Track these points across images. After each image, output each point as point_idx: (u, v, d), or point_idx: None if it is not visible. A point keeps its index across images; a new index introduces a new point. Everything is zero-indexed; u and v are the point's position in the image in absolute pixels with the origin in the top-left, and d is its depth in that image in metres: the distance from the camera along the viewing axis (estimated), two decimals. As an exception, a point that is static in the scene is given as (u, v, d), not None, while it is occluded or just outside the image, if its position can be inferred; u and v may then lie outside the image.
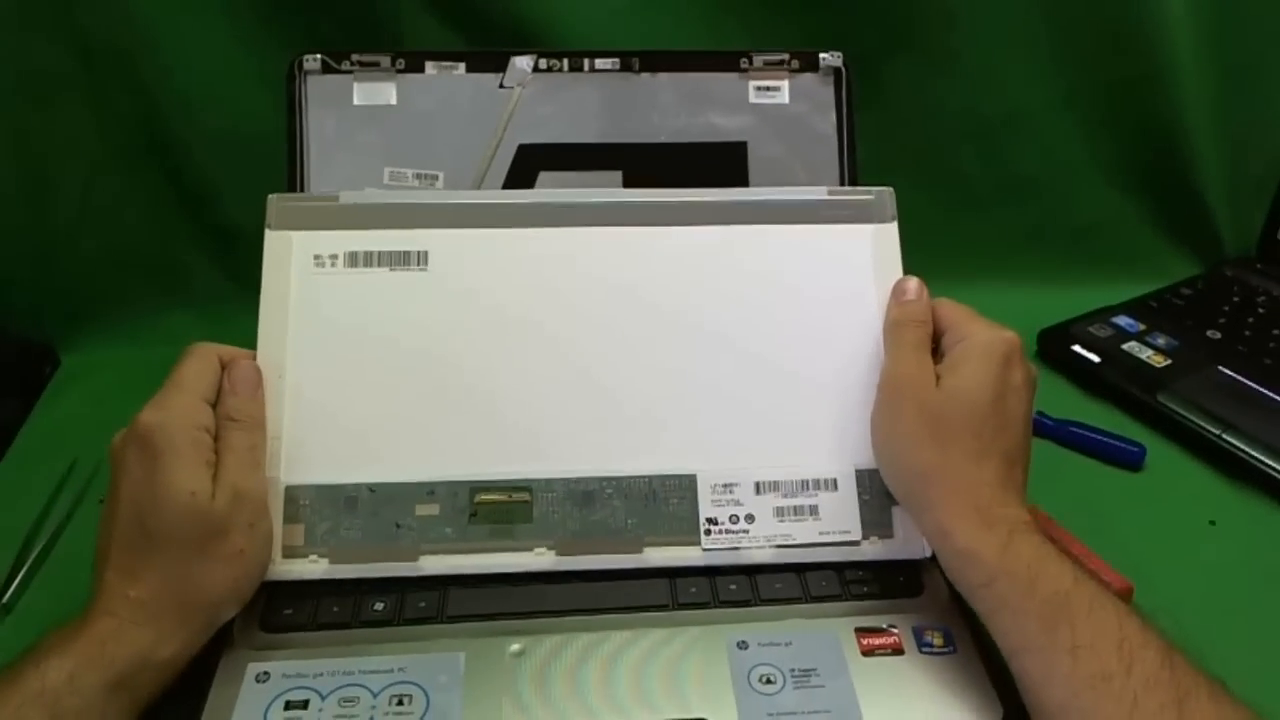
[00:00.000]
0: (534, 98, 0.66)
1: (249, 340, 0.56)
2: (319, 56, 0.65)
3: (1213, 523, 0.64)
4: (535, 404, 0.56)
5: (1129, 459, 0.68)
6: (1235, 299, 0.84)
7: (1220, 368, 0.75)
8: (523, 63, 0.65)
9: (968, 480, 0.49)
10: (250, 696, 0.47)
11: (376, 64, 0.65)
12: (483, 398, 0.56)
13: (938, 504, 0.49)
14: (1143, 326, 0.80)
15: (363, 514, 0.54)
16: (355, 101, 0.65)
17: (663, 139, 0.67)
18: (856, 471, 0.56)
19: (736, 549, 0.54)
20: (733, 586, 0.53)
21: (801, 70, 0.67)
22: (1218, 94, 0.84)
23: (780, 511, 0.55)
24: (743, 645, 0.50)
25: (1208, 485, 0.67)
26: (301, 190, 0.65)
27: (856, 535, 0.55)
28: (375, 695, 0.47)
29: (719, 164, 0.67)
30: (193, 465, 0.48)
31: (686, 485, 0.55)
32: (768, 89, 0.67)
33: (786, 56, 0.67)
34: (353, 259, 0.57)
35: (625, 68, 0.66)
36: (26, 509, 0.63)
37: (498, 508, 0.54)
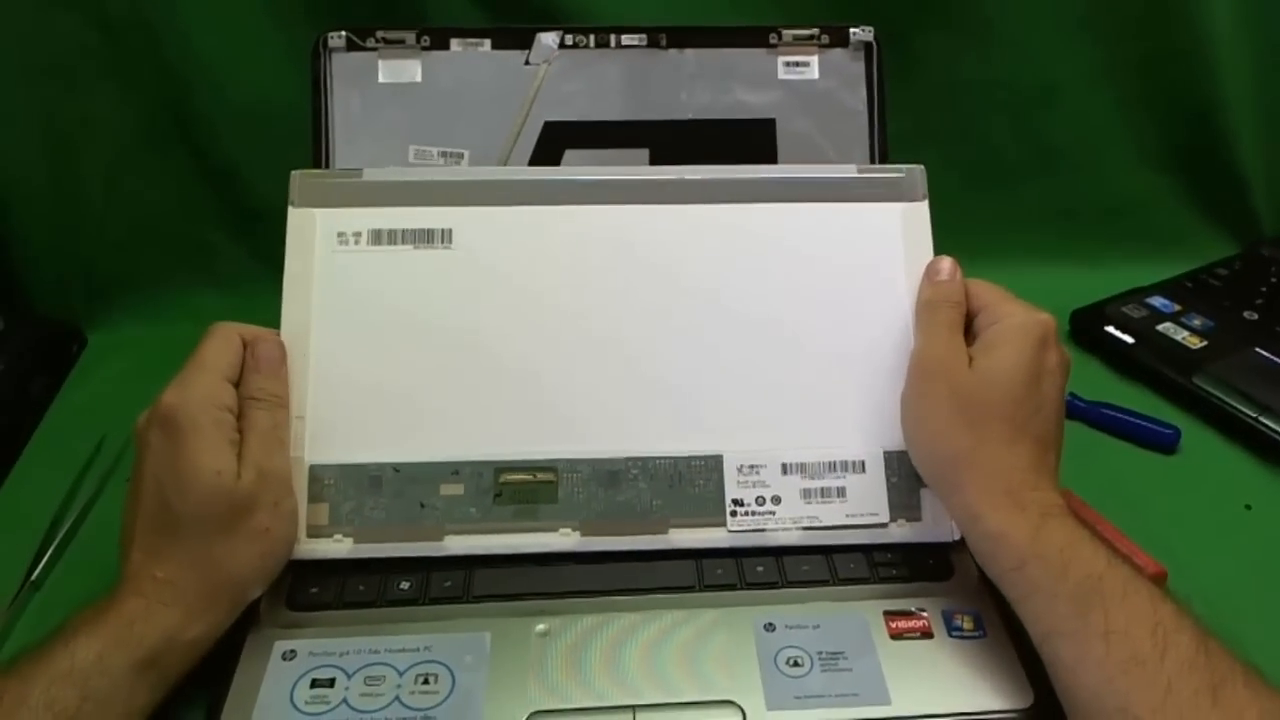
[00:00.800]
0: (560, 74, 0.65)
1: (274, 318, 0.56)
2: (344, 34, 0.64)
3: (1248, 507, 0.63)
4: (560, 383, 0.56)
5: (1163, 442, 0.67)
6: (1273, 279, 0.82)
7: (1257, 349, 0.73)
8: (548, 39, 0.65)
9: (1000, 463, 0.48)
10: (277, 674, 0.48)
11: (402, 41, 0.65)
12: (507, 377, 0.55)
13: (968, 487, 0.49)
14: (1178, 307, 0.79)
15: (387, 494, 0.53)
16: (380, 79, 0.65)
17: (690, 116, 0.66)
18: (885, 453, 0.55)
19: (763, 530, 0.54)
20: (759, 568, 0.53)
21: (831, 45, 0.66)
22: (1255, 69, 0.83)
23: (807, 493, 0.55)
24: (769, 627, 0.50)
25: (1243, 469, 0.66)
26: (327, 168, 0.64)
27: (884, 518, 0.54)
28: (401, 674, 0.47)
29: (747, 141, 0.66)
30: (216, 445, 0.49)
31: (713, 466, 0.55)
32: (797, 64, 0.66)
33: (816, 31, 0.66)
34: (376, 236, 0.57)
35: (652, 44, 0.65)
36: (55, 487, 0.64)
37: (523, 488, 0.54)
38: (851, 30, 0.66)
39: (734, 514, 0.54)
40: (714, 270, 0.57)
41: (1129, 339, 0.76)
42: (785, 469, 0.55)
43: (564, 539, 0.53)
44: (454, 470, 0.54)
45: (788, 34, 0.66)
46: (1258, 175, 0.86)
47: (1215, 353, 0.73)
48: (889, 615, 0.50)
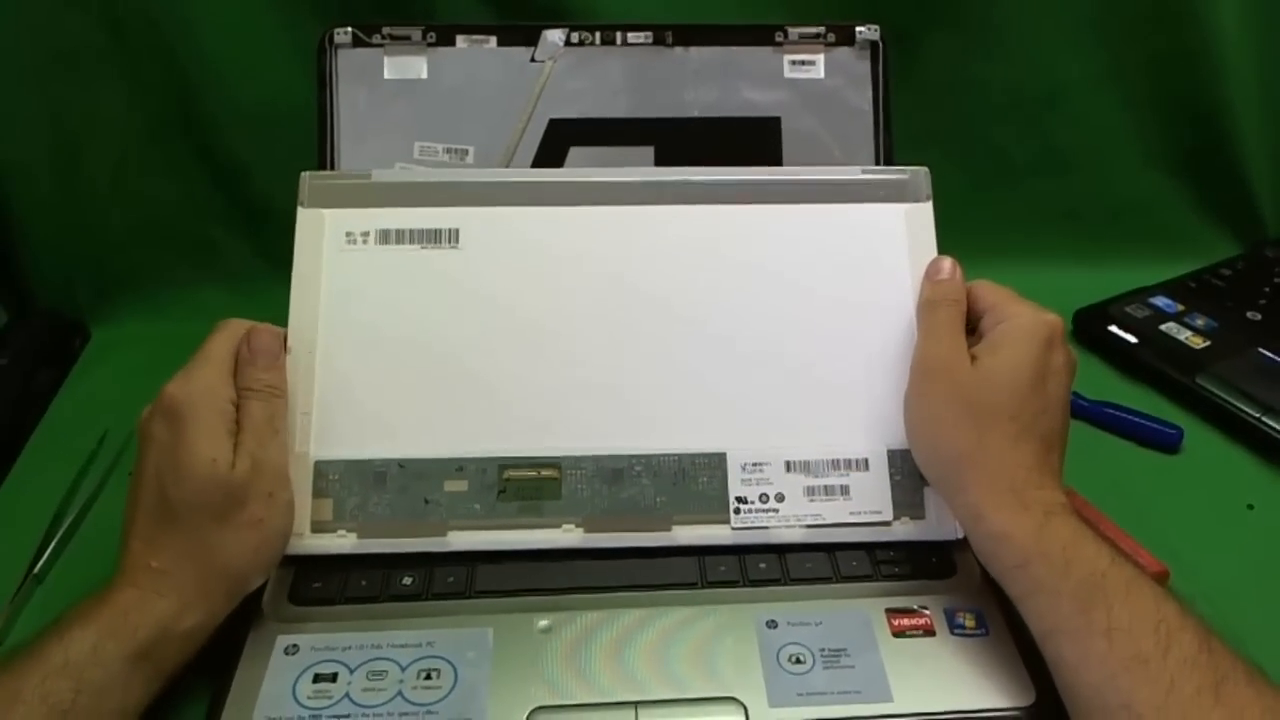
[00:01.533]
0: (565, 72, 0.65)
1: (279, 315, 0.56)
2: (350, 30, 0.64)
3: (1251, 507, 0.63)
4: (564, 380, 0.56)
5: (1166, 441, 0.67)
6: (1276, 280, 0.82)
7: (1260, 350, 0.73)
8: (554, 36, 0.65)
9: (1004, 462, 0.48)
10: (279, 668, 0.48)
11: (407, 37, 0.65)
12: (512, 374, 0.56)
13: (972, 486, 0.49)
14: (1181, 307, 0.79)
15: (391, 489, 0.54)
16: (386, 75, 0.65)
17: (695, 114, 0.66)
18: (888, 451, 0.55)
19: (766, 528, 0.54)
20: (762, 565, 0.53)
21: (837, 44, 0.66)
22: (1261, 71, 0.82)
23: (810, 491, 0.55)
24: (772, 624, 0.50)
25: (1246, 469, 0.66)
26: (332, 165, 0.64)
27: (888, 515, 0.54)
28: (403, 669, 0.47)
29: (752, 140, 0.66)
30: (215, 434, 0.49)
31: (716, 463, 0.55)
32: (803, 63, 0.66)
33: (822, 30, 0.66)
34: (384, 236, 0.57)
35: (658, 41, 0.65)
36: (58, 481, 0.64)
37: (526, 484, 0.54)
38: (857, 29, 0.66)
39: (737, 511, 0.54)
40: (718, 270, 0.58)
41: (1132, 339, 0.76)
42: (789, 467, 0.55)
43: (567, 535, 0.53)
44: (458, 466, 0.54)
45: (794, 33, 0.66)
46: (1261, 176, 0.86)
47: (1218, 353, 0.73)
48: (891, 613, 0.50)
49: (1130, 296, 0.80)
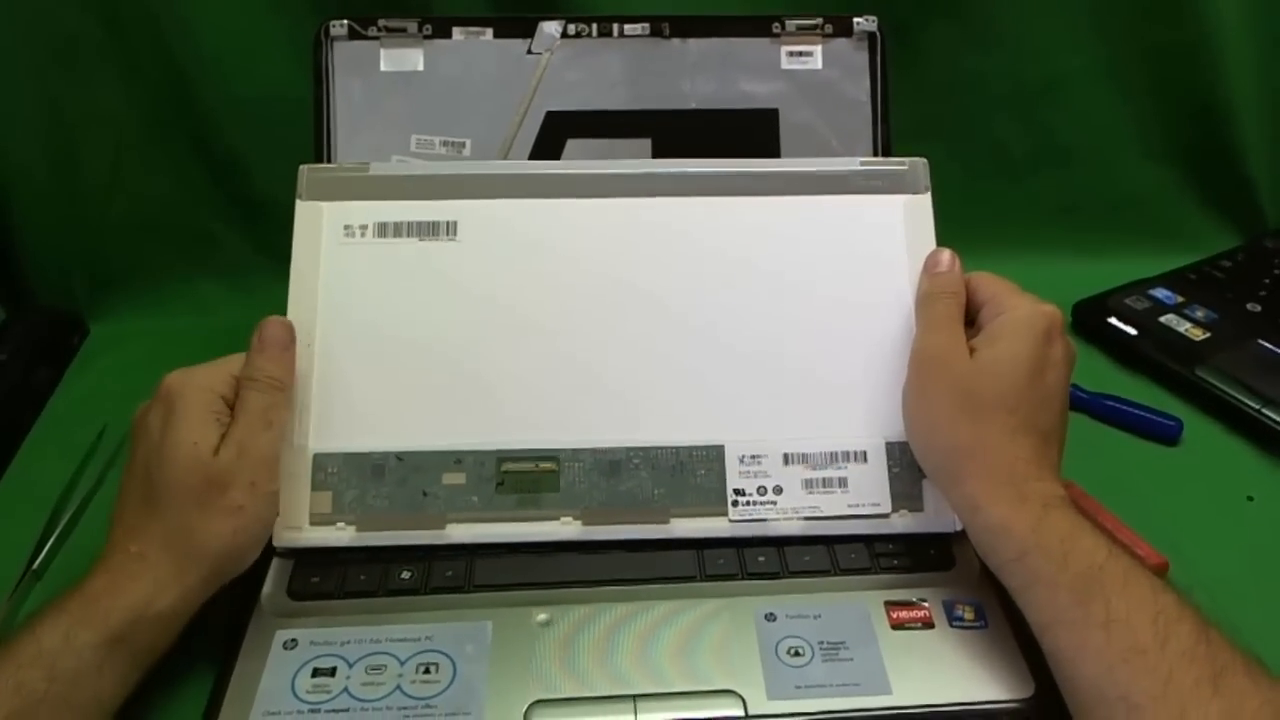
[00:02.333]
0: (562, 63, 0.65)
1: (277, 309, 0.56)
2: (346, 23, 0.64)
3: (1250, 498, 0.63)
4: (562, 373, 0.56)
5: (1166, 433, 0.67)
6: (1276, 271, 0.82)
7: (1260, 341, 0.73)
8: (551, 28, 0.65)
9: (1002, 455, 0.48)
10: (278, 663, 0.48)
11: (403, 30, 0.64)
12: (510, 367, 0.56)
13: (970, 478, 0.49)
14: (1181, 299, 0.79)
15: (390, 482, 0.54)
16: (382, 68, 0.65)
17: (693, 105, 0.66)
18: (886, 444, 0.55)
19: (764, 520, 0.54)
20: (761, 558, 0.53)
21: (835, 35, 0.66)
22: (1260, 62, 0.82)
23: (809, 483, 0.55)
24: (770, 617, 0.50)
25: (1246, 460, 0.66)
26: (329, 157, 0.64)
27: (886, 508, 0.54)
28: (402, 663, 0.47)
29: (750, 131, 0.66)
30: (200, 420, 0.49)
31: (714, 456, 0.55)
32: (800, 54, 0.66)
33: (820, 21, 0.66)
34: (382, 229, 0.57)
35: (655, 33, 0.65)
36: (56, 477, 0.64)
37: (524, 477, 0.54)
38: (855, 20, 0.66)
39: (735, 504, 0.54)
40: (716, 262, 0.58)
41: (1132, 331, 0.75)
42: (787, 459, 0.55)
43: (565, 528, 0.53)
44: (456, 459, 0.54)
45: (791, 24, 0.66)
46: (1261, 168, 0.86)
47: (1218, 345, 0.73)
48: (890, 605, 0.50)
49: (1130, 288, 0.80)
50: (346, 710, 0.46)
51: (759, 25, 0.66)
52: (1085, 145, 0.85)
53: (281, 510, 0.52)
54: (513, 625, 0.49)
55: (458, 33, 0.65)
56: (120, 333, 0.80)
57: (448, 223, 0.58)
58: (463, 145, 0.65)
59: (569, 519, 0.54)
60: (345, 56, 0.64)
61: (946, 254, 0.56)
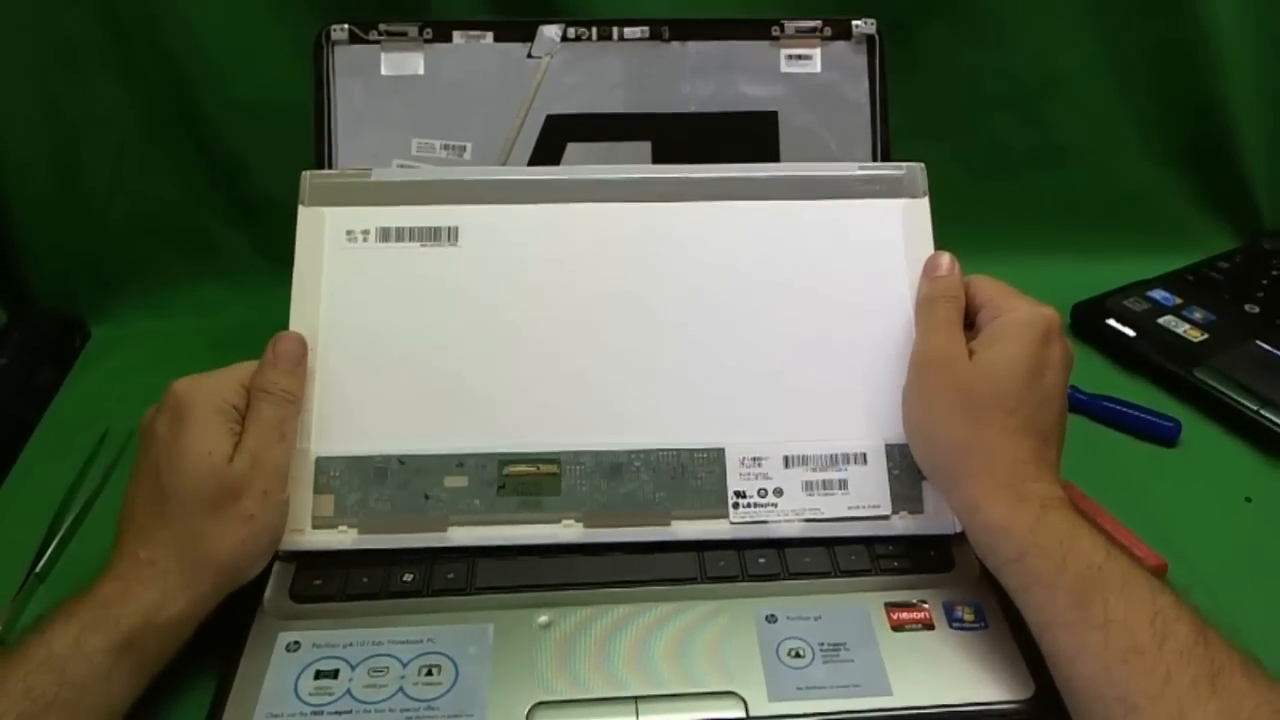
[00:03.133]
0: (562, 67, 0.65)
1: (277, 311, 0.57)
2: (346, 27, 0.64)
3: (1249, 499, 0.63)
4: (563, 376, 0.56)
5: (1164, 434, 0.67)
6: (1274, 272, 0.82)
7: (1258, 342, 0.73)
8: (551, 32, 0.65)
9: (1001, 456, 0.49)
10: (281, 665, 0.48)
11: (404, 34, 0.64)
12: (512, 370, 0.56)
13: (969, 479, 0.49)
14: (1179, 300, 0.79)
15: (392, 485, 0.54)
16: (383, 72, 0.65)
17: (692, 109, 0.66)
18: (886, 446, 0.55)
19: (765, 522, 0.54)
20: (761, 560, 0.53)
21: (834, 38, 0.66)
22: (1258, 62, 0.82)
23: (809, 485, 0.55)
24: (771, 619, 0.50)
25: (1244, 461, 0.66)
26: (329, 162, 0.64)
27: (886, 510, 0.54)
28: (404, 665, 0.48)
29: (749, 134, 0.66)
30: (213, 429, 0.50)
31: (715, 458, 0.55)
32: (799, 57, 0.66)
33: (819, 24, 0.66)
34: (384, 234, 0.58)
35: (654, 36, 0.65)
36: (59, 480, 0.64)
37: (526, 480, 0.54)
38: (854, 23, 0.66)
39: (736, 506, 0.54)
40: (716, 266, 0.58)
41: (1130, 332, 0.76)
42: (787, 461, 0.55)
43: (567, 530, 0.54)
44: (458, 462, 0.54)
45: (790, 26, 0.66)
46: (1259, 169, 0.86)
47: (1216, 346, 0.73)
48: (890, 607, 0.51)
49: (1128, 290, 0.80)
50: (349, 712, 0.46)
51: (758, 28, 0.66)
52: (1084, 145, 0.85)
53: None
54: (514, 627, 0.50)
55: (458, 37, 0.65)
56: (122, 335, 0.80)
57: (449, 228, 0.58)
58: (463, 149, 0.65)
59: (570, 521, 0.54)
60: (346, 60, 0.64)
61: (946, 257, 0.57)
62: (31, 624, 0.45)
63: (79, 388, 0.75)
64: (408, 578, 0.52)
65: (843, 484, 0.55)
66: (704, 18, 0.66)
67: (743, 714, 0.46)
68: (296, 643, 0.49)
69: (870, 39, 0.66)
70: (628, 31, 0.65)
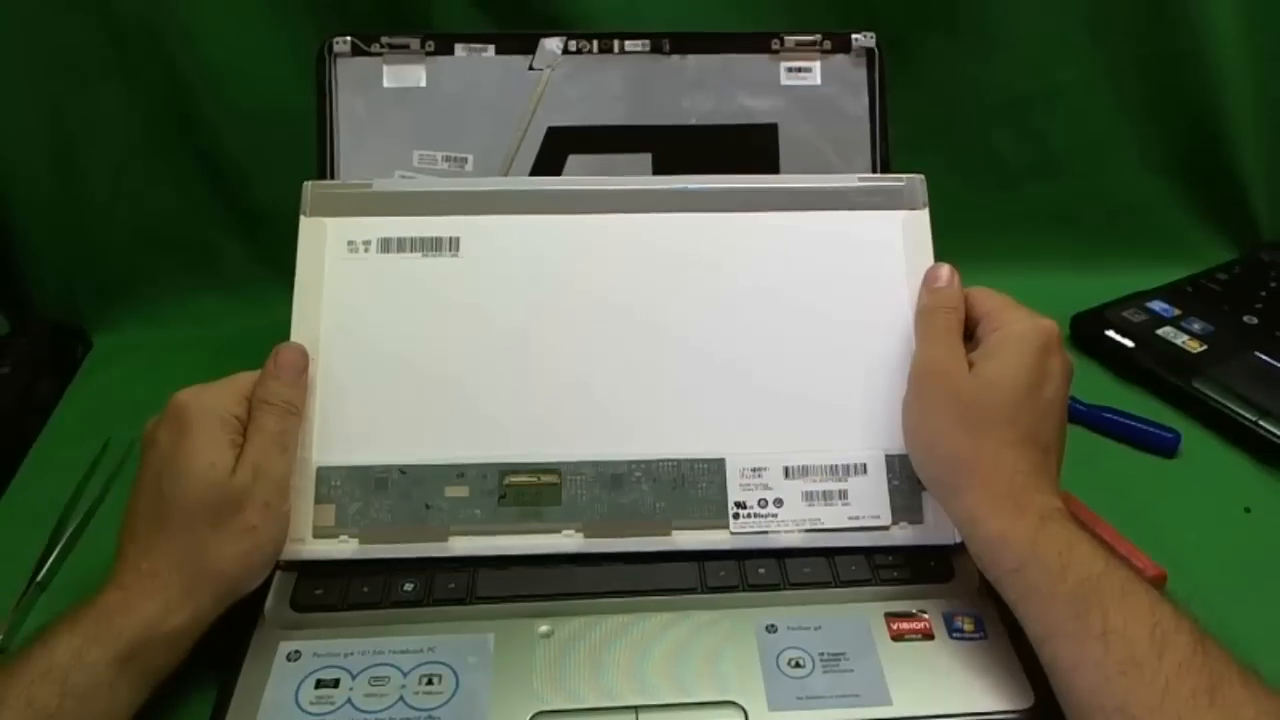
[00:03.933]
0: (564, 80, 0.65)
1: (278, 321, 0.57)
2: (349, 39, 0.65)
3: (1248, 510, 0.63)
4: (564, 387, 0.56)
5: (1163, 445, 0.67)
6: (1272, 284, 0.83)
7: (1257, 353, 0.74)
8: (552, 44, 0.65)
9: (1001, 467, 0.49)
10: (281, 675, 0.48)
11: (406, 46, 0.65)
12: (512, 380, 0.56)
13: (969, 491, 0.49)
14: (1178, 311, 0.79)
15: (393, 495, 0.54)
16: (385, 84, 0.65)
17: (693, 121, 0.66)
18: (886, 456, 0.55)
19: (765, 533, 0.54)
20: (761, 570, 0.53)
21: (833, 51, 0.66)
22: (1257, 75, 0.83)
23: (809, 496, 0.55)
24: (771, 629, 0.50)
25: (1243, 472, 0.66)
26: (331, 173, 0.65)
27: (886, 520, 0.55)
28: (405, 675, 0.48)
29: (749, 147, 0.66)
30: (216, 441, 0.50)
31: (715, 469, 0.55)
32: (799, 70, 0.66)
33: (818, 37, 0.66)
34: (386, 245, 0.58)
35: (655, 49, 0.66)
36: (60, 489, 0.64)
37: (527, 490, 0.54)
38: (853, 36, 0.66)
39: (736, 516, 0.54)
40: (717, 277, 0.58)
41: (1129, 343, 0.76)
42: (787, 472, 0.55)
43: (568, 540, 0.54)
44: (459, 472, 0.54)
45: (790, 40, 0.66)
46: (1257, 180, 0.86)
47: (1215, 357, 0.74)
48: (890, 617, 0.51)
49: (1127, 301, 0.80)
50: (350, 722, 0.46)
51: (758, 42, 0.66)
52: (1082, 157, 0.86)
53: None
54: (515, 637, 0.50)
55: (460, 49, 0.65)
56: (123, 344, 0.80)
57: (450, 238, 0.58)
58: (465, 160, 0.65)
59: (571, 531, 0.54)
60: (348, 72, 0.65)
61: (946, 269, 0.57)
62: (34, 634, 0.45)
63: (80, 397, 0.75)
64: (408, 587, 0.52)
65: (843, 494, 0.55)
66: (705, 32, 0.66)
67: (743, 724, 0.46)
68: (297, 652, 0.49)
69: (870, 52, 0.66)
70: (629, 44, 0.66)
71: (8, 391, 0.71)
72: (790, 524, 0.54)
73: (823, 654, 0.49)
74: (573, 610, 0.51)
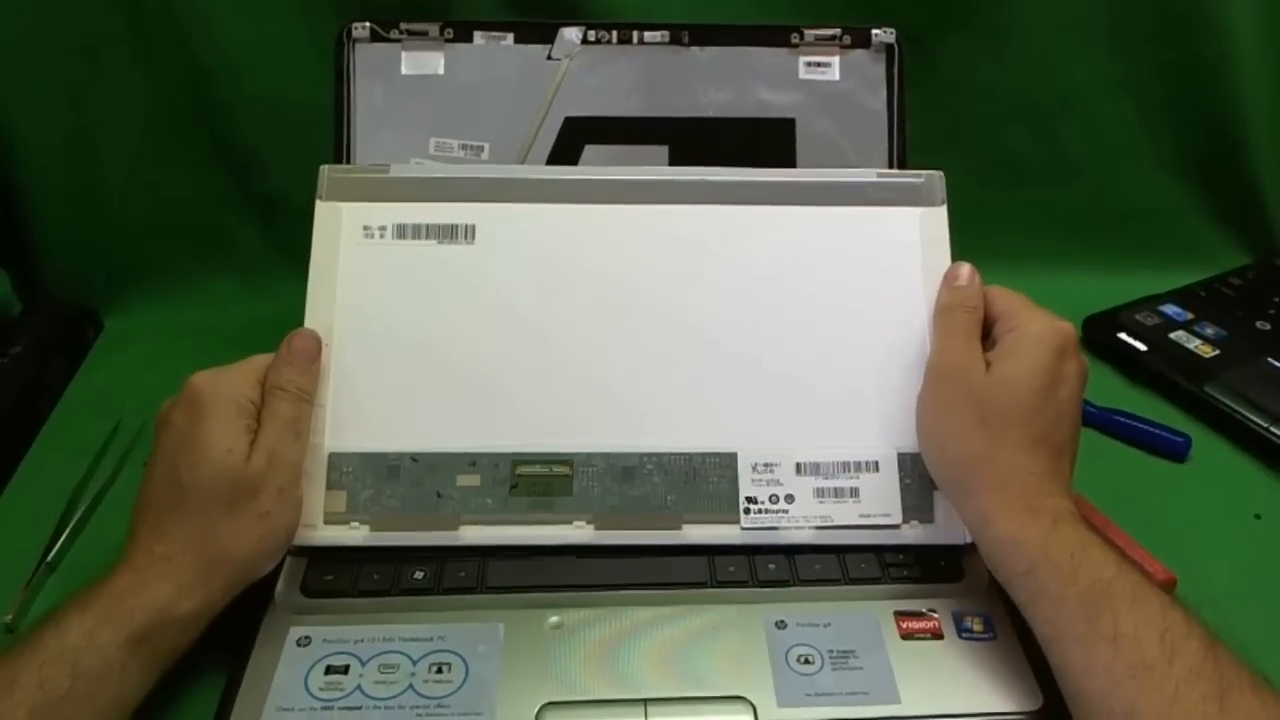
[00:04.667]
0: (581, 70, 0.65)
1: (292, 306, 0.57)
2: (367, 25, 0.65)
3: (1258, 516, 0.63)
4: (578, 377, 0.56)
5: (1174, 449, 0.67)
6: (1286, 290, 0.83)
7: (1270, 359, 0.73)
8: (571, 34, 0.65)
9: (1014, 469, 0.49)
10: (291, 660, 0.48)
11: (425, 33, 0.65)
12: (526, 370, 0.56)
13: (981, 491, 0.49)
14: (1191, 315, 0.79)
15: (404, 482, 0.54)
16: (403, 71, 0.65)
17: (710, 114, 0.66)
18: (898, 455, 0.55)
19: (775, 529, 0.54)
20: (771, 566, 0.53)
21: (853, 46, 0.66)
22: (1274, 80, 0.83)
23: (820, 492, 0.55)
24: (781, 625, 0.50)
25: (1254, 478, 0.66)
26: (348, 159, 0.65)
27: (897, 519, 0.55)
28: (415, 662, 0.48)
29: (766, 140, 0.66)
30: (232, 425, 0.50)
31: (727, 463, 0.55)
32: (818, 65, 0.66)
33: (838, 32, 0.66)
34: (401, 231, 0.58)
35: (674, 41, 0.65)
36: (71, 470, 0.64)
37: (538, 480, 0.54)
38: (873, 32, 0.66)
39: (747, 511, 0.54)
40: (732, 270, 0.58)
41: (1142, 346, 0.76)
42: (799, 468, 0.55)
43: (578, 532, 0.54)
44: (471, 461, 0.54)
45: (809, 34, 0.66)
46: (1273, 185, 0.86)
47: (1227, 362, 0.73)
48: (900, 615, 0.51)
49: (1140, 304, 0.80)
50: (359, 708, 0.46)
51: (778, 35, 0.66)
52: (1099, 160, 0.85)
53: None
54: (525, 627, 0.50)
55: (479, 37, 0.65)
56: (135, 327, 0.80)
57: (466, 225, 0.58)
58: (481, 149, 0.65)
59: (582, 523, 0.54)
60: (367, 59, 0.65)
61: (966, 268, 0.57)
62: (46, 615, 0.45)
63: (92, 379, 0.75)
64: (419, 575, 0.52)
65: (854, 492, 0.55)
66: (724, 24, 0.66)
67: (751, 719, 0.46)
68: (307, 638, 0.49)
69: (889, 48, 0.66)
70: (648, 36, 0.65)
71: (20, 372, 0.71)
72: (801, 520, 0.54)
73: (832, 651, 0.49)
74: (583, 602, 0.51)
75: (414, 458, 0.54)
